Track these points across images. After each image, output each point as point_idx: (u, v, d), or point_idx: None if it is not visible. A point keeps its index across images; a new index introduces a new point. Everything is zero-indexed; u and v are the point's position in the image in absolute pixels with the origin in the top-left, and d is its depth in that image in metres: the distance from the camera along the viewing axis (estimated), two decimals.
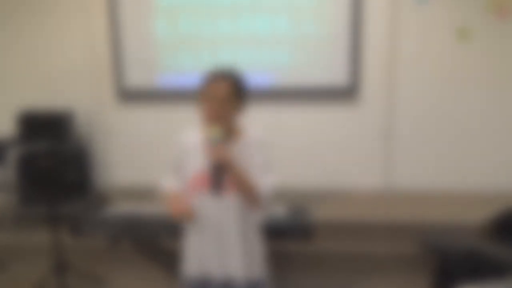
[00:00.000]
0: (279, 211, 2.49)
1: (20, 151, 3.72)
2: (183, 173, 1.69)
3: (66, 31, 4.02)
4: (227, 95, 1.59)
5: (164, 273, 2.65)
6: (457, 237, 2.58)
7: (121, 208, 2.64)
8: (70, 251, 2.91)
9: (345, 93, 3.78)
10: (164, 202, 1.71)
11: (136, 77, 4.00)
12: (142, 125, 4.06)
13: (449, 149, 3.74)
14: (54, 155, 3.55)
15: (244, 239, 1.66)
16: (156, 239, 2.57)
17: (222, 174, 1.56)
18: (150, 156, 3.93)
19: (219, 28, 3.80)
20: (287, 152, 3.65)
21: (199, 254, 1.70)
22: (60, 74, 4.09)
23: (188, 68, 3.86)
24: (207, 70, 1.66)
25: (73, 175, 3.70)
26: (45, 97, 4.05)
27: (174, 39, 3.89)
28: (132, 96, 4.05)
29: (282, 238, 2.31)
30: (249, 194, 1.59)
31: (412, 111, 3.73)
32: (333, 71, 3.75)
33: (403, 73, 3.69)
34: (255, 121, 1.76)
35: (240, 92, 1.64)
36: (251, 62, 3.81)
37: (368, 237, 3.11)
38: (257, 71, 3.81)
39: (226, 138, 1.56)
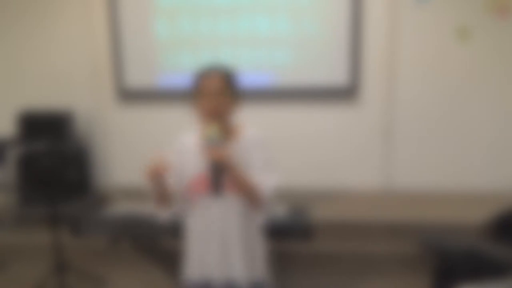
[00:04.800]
0: (279, 211, 2.49)
1: (20, 151, 3.72)
2: (182, 175, 1.67)
3: (66, 31, 4.02)
4: (220, 89, 1.58)
5: (164, 273, 2.65)
6: (457, 237, 2.58)
7: (121, 208, 2.64)
8: (70, 251, 2.91)
9: (345, 93, 3.78)
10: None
11: (136, 77, 4.00)
12: (142, 125, 4.06)
13: (449, 149, 3.74)
14: (54, 155, 3.55)
15: (246, 240, 1.65)
16: (156, 239, 2.57)
17: (221, 175, 1.54)
18: (150, 156, 3.93)
19: (219, 28, 3.80)
20: (287, 152, 3.64)
21: (200, 256, 1.68)
22: (60, 74, 4.09)
23: (188, 68, 3.85)
24: (197, 68, 1.65)
25: (73, 175, 3.70)
26: (45, 97, 4.05)
27: (174, 39, 3.89)
28: (132, 96, 4.05)
29: (282, 238, 2.30)
30: (250, 195, 1.58)
31: (412, 111, 3.73)
32: (333, 71, 3.75)
33: (403, 73, 3.69)
34: (255, 121, 1.76)
35: (233, 86, 1.63)
36: (251, 62, 3.81)
37: (368, 237, 3.11)
38: (257, 71, 3.81)
39: (223, 137, 1.54)
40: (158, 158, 1.55)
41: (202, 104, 1.59)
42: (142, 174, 1.56)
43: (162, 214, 1.70)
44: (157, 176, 1.54)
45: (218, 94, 1.57)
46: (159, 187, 1.59)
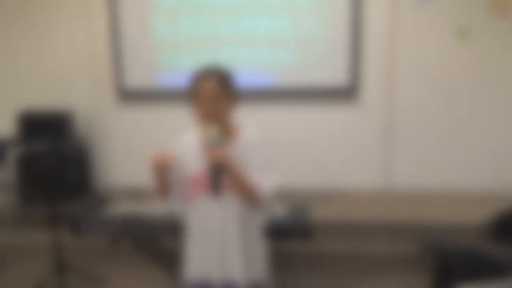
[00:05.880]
0: (279, 211, 2.49)
1: (20, 151, 3.72)
2: (181, 175, 1.67)
3: (66, 31, 4.03)
4: (216, 92, 1.58)
5: (164, 273, 2.65)
6: (457, 237, 2.58)
7: (121, 208, 2.64)
8: (70, 251, 2.91)
9: (345, 93, 3.78)
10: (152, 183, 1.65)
11: (136, 77, 4.00)
12: (142, 125, 4.06)
13: (449, 149, 3.74)
14: (54, 155, 3.55)
15: (245, 241, 1.65)
16: (156, 239, 2.57)
17: (220, 175, 1.55)
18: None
19: (219, 28, 3.80)
20: (287, 152, 3.64)
21: (199, 256, 1.69)
22: (60, 74, 4.09)
23: (188, 68, 3.85)
24: (193, 70, 1.65)
25: (73, 175, 3.69)
26: (45, 97, 4.06)
27: (174, 39, 3.89)
28: (132, 96, 4.05)
29: (282, 238, 2.30)
30: (249, 195, 1.58)
31: (412, 111, 3.73)
32: (333, 71, 3.75)
33: (403, 73, 3.69)
34: (255, 121, 1.76)
35: (229, 88, 1.63)
36: (251, 62, 3.81)
37: (368, 237, 3.11)
38: (257, 71, 3.81)
39: (223, 138, 1.54)
40: (165, 151, 1.57)
41: (199, 107, 1.60)
42: (147, 164, 1.57)
43: (161, 205, 1.72)
44: (163, 168, 1.55)
45: (214, 98, 1.58)
46: (162, 178, 1.59)
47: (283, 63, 3.80)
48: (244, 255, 1.64)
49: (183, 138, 1.72)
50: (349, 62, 3.71)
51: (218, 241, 1.64)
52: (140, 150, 4.04)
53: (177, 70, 3.90)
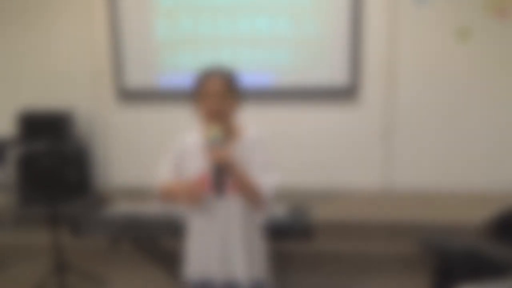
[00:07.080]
0: (279, 211, 2.49)
1: (20, 151, 3.72)
2: (183, 174, 1.67)
3: (66, 31, 4.03)
4: (223, 91, 1.59)
5: (164, 273, 2.65)
6: (457, 237, 2.58)
7: (121, 208, 2.64)
8: (70, 251, 2.91)
9: (345, 93, 3.78)
10: (165, 192, 1.68)
11: (136, 77, 4.00)
12: (142, 125, 4.06)
13: (449, 149, 3.74)
14: (54, 155, 3.54)
15: (247, 240, 1.65)
16: (156, 239, 2.57)
17: (223, 175, 1.55)
18: (150, 156, 3.93)
19: (219, 28, 3.80)
20: (287, 152, 3.64)
21: (201, 255, 1.69)
22: (60, 74, 4.09)
23: (188, 68, 3.87)
24: (198, 70, 1.65)
25: (73, 175, 3.69)
26: (45, 97, 4.05)
27: (174, 39, 3.89)
28: (132, 96, 4.05)
29: (282, 238, 2.30)
30: (251, 194, 1.58)
31: (412, 111, 3.73)
32: (333, 71, 3.75)
33: (403, 73, 3.70)
34: (255, 121, 1.76)
35: (235, 88, 1.64)
36: (251, 62, 3.81)
37: (368, 237, 3.11)
38: (257, 71, 3.81)
39: (225, 138, 1.55)
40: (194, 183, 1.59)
41: (205, 106, 1.60)
42: (181, 196, 1.61)
43: (161, 205, 1.73)
44: (197, 198, 1.58)
45: (220, 95, 1.58)
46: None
47: (283, 63, 3.80)
48: (246, 255, 1.65)
49: (186, 138, 1.72)
50: (349, 62, 3.71)
51: (220, 241, 1.64)
52: (140, 150, 4.08)
53: (178, 70, 3.90)
